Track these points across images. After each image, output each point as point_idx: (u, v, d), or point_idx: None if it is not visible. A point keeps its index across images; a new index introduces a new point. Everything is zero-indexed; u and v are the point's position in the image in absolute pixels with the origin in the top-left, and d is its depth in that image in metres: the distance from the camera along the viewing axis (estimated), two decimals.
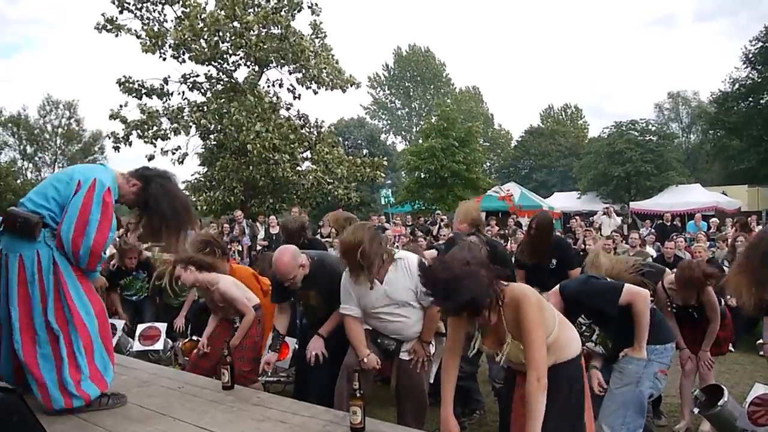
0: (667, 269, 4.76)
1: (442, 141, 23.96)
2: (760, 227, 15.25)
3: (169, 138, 17.75)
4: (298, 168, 18.61)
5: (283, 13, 17.39)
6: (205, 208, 17.78)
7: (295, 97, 18.94)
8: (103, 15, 16.73)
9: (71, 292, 3.06)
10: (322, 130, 19.26)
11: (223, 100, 17.52)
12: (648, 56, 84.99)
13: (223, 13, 16.85)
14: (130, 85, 17.42)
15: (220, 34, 17.25)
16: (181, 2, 17.13)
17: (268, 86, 18.79)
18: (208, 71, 18.43)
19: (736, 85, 32.78)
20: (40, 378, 2.99)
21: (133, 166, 3.45)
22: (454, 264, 2.55)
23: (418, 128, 46.69)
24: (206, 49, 17.13)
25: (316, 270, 4.05)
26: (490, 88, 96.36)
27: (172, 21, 17.54)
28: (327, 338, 3.99)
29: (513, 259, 5.72)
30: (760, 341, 4.55)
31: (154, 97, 17.88)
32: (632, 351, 3.52)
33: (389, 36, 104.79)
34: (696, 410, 4.04)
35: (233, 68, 18.39)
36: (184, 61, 17.65)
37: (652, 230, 14.79)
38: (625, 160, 31.15)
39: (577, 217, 17.16)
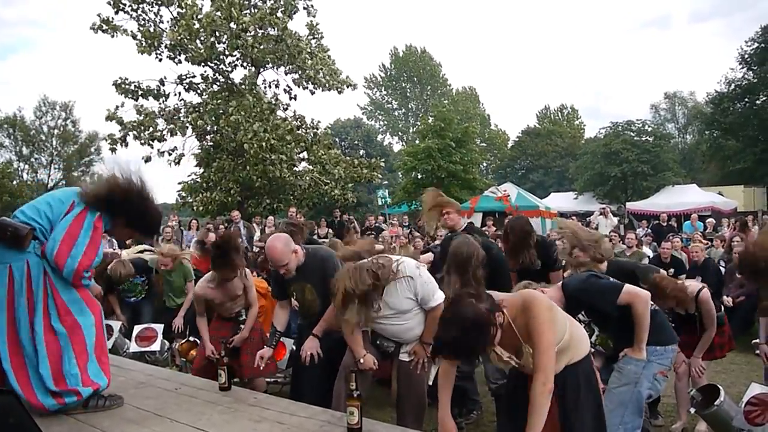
0: (661, 270, 4.76)
1: (438, 141, 23.96)
2: (757, 227, 15.33)
3: (166, 139, 17.73)
4: (295, 169, 18.60)
5: (279, 14, 17.39)
6: (201, 209, 17.76)
7: (291, 98, 18.96)
8: (99, 15, 16.70)
9: (65, 300, 3.07)
10: (318, 131, 19.25)
11: (219, 100, 17.50)
12: (644, 57, 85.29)
13: (219, 14, 16.83)
14: (127, 87, 17.39)
15: (217, 35, 17.22)
16: (177, 3, 17.10)
17: (265, 87, 18.81)
18: (205, 72, 18.43)
19: (732, 86, 32.89)
20: (27, 385, 3.00)
21: (130, 167, 3.43)
22: (455, 324, 2.47)
23: (414, 129, 46.62)
24: (202, 50, 17.11)
25: (311, 261, 4.07)
26: (487, 89, 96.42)
27: (168, 22, 17.54)
28: (322, 339, 3.99)
29: None
30: (756, 341, 4.56)
31: (151, 98, 17.85)
32: (632, 351, 3.52)
33: (386, 36, 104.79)
34: (692, 410, 4.05)
35: (230, 69, 18.38)
36: (180, 61, 17.66)
37: (649, 230, 14.81)
38: (622, 161, 31.22)
39: (573, 218, 17.15)
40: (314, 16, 18.32)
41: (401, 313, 3.57)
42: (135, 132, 17.16)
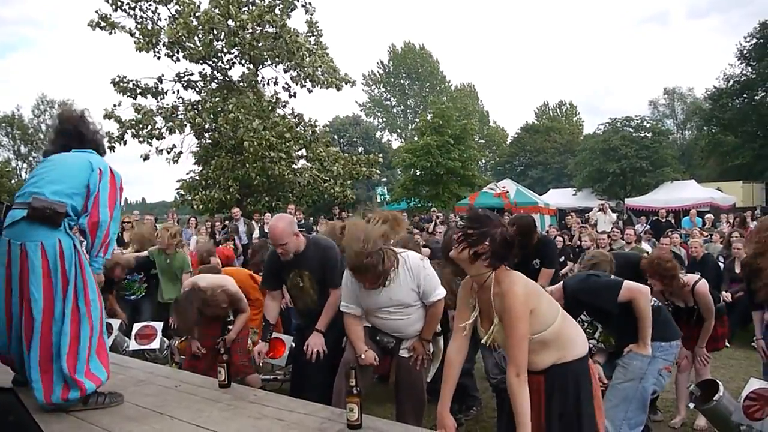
0: None
1: (437, 138, 23.97)
2: (756, 223, 15.32)
3: (164, 137, 17.70)
4: (294, 166, 18.58)
5: (277, 11, 17.35)
6: (201, 206, 17.74)
7: (290, 96, 18.93)
8: (96, 12, 16.65)
9: (88, 284, 3.09)
10: (317, 128, 19.23)
11: (217, 98, 17.48)
12: (643, 53, 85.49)
13: (217, 11, 16.79)
14: (125, 85, 17.35)
15: (215, 32, 17.19)
16: (175, 0, 17.06)
17: (263, 85, 18.77)
18: (203, 70, 18.39)
19: (731, 82, 32.93)
20: (47, 367, 2.99)
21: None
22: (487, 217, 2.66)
23: (413, 126, 46.66)
24: (200, 48, 17.08)
25: (312, 248, 4.08)
26: (486, 86, 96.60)
27: (166, 19, 17.50)
28: (324, 334, 3.99)
29: None
30: (756, 337, 4.57)
31: (149, 96, 17.81)
32: (637, 347, 3.52)
33: (384, 33, 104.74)
34: (692, 405, 4.06)
35: (228, 66, 18.35)
36: (178, 59, 17.60)
37: (648, 226, 14.82)
38: (620, 157, 31.26)
39: (572, 214, 17.21)
40: (312, 13, 18.30)
41: (404, 307, 3.58)
42: (133, 130, 17.13)
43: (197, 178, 18.98)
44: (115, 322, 5.99)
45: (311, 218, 16.20)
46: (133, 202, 63.28)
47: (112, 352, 3.91)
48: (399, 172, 33.51)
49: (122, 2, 16.84)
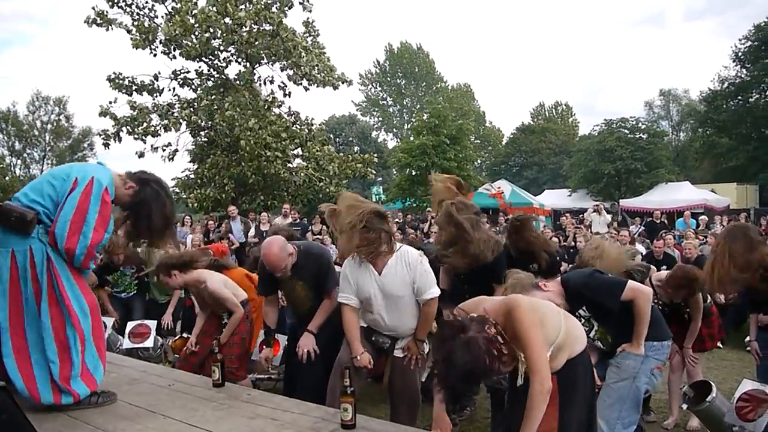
0: (653, 267, 4.80)
1: (433, 138, 23.96)
2: (750, 224, 15.38)
3: (159, 134, 17.63)
4: (289, 165, 18.55)
5: (274, 9, 17.32)
6: (195, 205, 17.71)
7: (286, 94, 18.90)
8: (93, 9, 16.59)
9: (66, 288, 3.03)
10: (313, 128, 19.21)
11: (213, 96, 17.44)
12: (638, 54, 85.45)
13: (214, 9, 16.75)
14: (120, 82, 17.29)
15: (212, 30, 17.14)
16: None
17: (260, 83, 18.73)
18: (199, 67, 18.33)
19: (726, 84, 33.06)
20: (29, 375, 2.97)
21: (124, 162, 3.48)
22: (446, 334, 2.39)
23: (409, 125, 46.63)
24: (197, 45, 17.01)
25: (302, 258, 4.08)
26: (482, 86, 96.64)
27: (162, 17, 17.44)
28: (317, 335, 3.99)
29: None
30: (748, 338, 4.59)
31: (144, 93, 17.75)
32: (630, 347, 3.54)
33: (381, 33, 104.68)
34: (685, 406, 4.08)
35: (224, 65, 18.29)
36: (174, 57, 17.54)
37: (642, 228, 14.85)
38: (615, 158, 31.32)
39: (567, 215, 17.23)
40: (310, 11, 18.26)
41: (394, 298, 3.58)
42: (128, 127, 17.07)
43: (192, 176, 18.93)
44: (109, 321, 5.97)
45: (305, 219, 16.17)
46: None
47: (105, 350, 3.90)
48: (394, 172, 33.48)
49: None
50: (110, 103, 17.13)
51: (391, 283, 3.55)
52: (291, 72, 18.31)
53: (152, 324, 5.96)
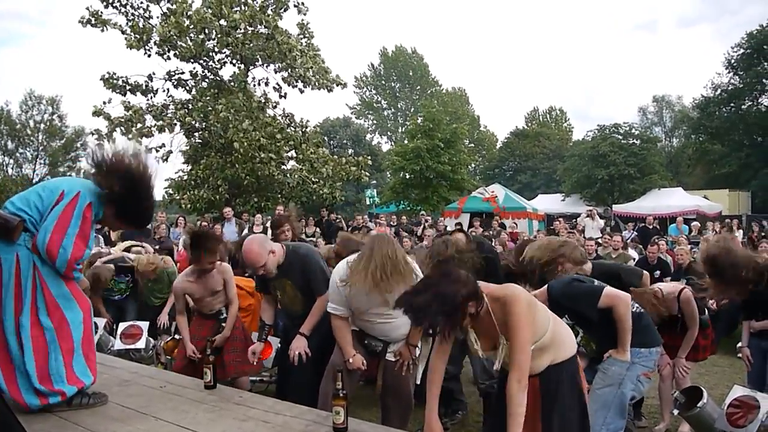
0: (645, 272, 4.80)
1: (427, 142, 23.99)
2: (741, 232, 15.48)
3: (153, 135, 17.61)
4: (284, 167, 18.54)
5: (269, 11, 17.32)
6: (189, 206, 17.66)
7: (280, 96, 18.89)
8: (88, 9, 16.55)
9: (54, 295, 3.01)
10: (307, 129, 19.21)
11: (208, 97, 17.41)
12: (632, 60, 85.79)
13: (209, 10, 16.75)
14: (114, 82, 17.26)
15: (206, 31, 17.13)
16: None
17: (254, 85, 18.73)
18: (194, 68, 18.32)
19: (719, 91, 33.28)
20: (13, 382, 2.96)
21: (138, 151, 3.35)
22: (422, 287, 2.57)
23: (403, 129, 46.66)
24: (192, 47, 17.02)
25: (290, 257, 4.06)
26: (477, 90, 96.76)
27: (157, 17, 17.41)
28: (309, 337, 3.98)
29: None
30: (740, 344, 4.61)
31: (138, 93, 17.73)
32: (616, 353, 3.54)
33: (376, 36, 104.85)
34: (675, 411, 4.09)
35: (219, 66, 18.28)
36: (169, 58, 17.52)
37: (635, 233, 14.90)
38: (609, 163, 31.45)
39: (560, 219, 17.25)
40: (305, 14, 18.27)
41: (390, 309, 3.56)
42: (122, 128, 17.02)
43: (186, 177, 18.88)
44: (101, 321, 5.93)
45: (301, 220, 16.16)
46: None
47: (96, 351, 3.88)
48: (389, 175, 33.51)
49: None
50: (104, 103, 17.11)
51: (389, 295, 3.52)
52: (286, 74, 18.32)
53: (144, 325, 5.92)
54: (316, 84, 18.30)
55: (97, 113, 16.90)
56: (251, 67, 18.45)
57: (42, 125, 43.54)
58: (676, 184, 31.89)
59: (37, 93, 43.42)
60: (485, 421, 4.39)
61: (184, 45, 16.96)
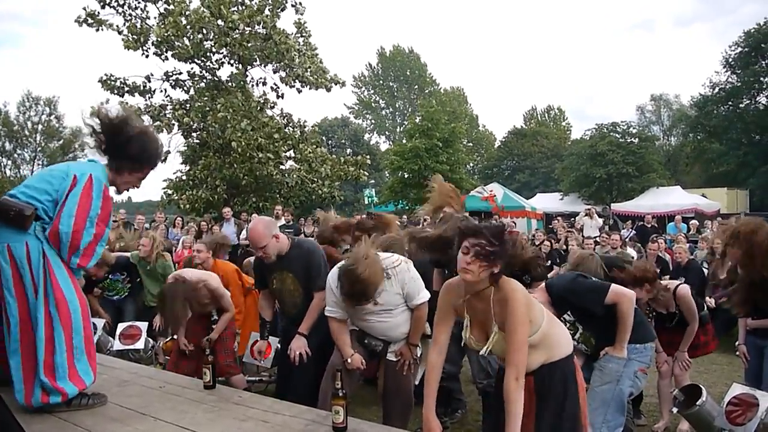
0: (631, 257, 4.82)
1: (425, 141, 23.98)
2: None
3: None
4: (282, 167, 18.51)
5: (267, 11, 17.30)
6: (187, 206, 17.61)
7: (278, 96, 18.87)
8: (84, 9, 16.50)
9: (62, 287, 3.01)
10: (305, 129, 19.19)
11: (206, 97, 17.38)
12: (630, 59, 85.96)
13: (207, 11, 16.72)
14: (112, 83, 17.20)
15: (204, 32, 17.09)
16: None
17: (252, 85, 18.69)
18: (191, 69, 18.24)
19: (716, 89, 33.30)
20: (29, 373, 2.96)
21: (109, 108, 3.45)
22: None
23: (402, 128, 46.68)
24: (189, 47, 16.96)
25: (295, 250, 4.08)
26: (475, 90, 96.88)
27: (155, 18, 17.37)
28: (309, 336, 3.98)
29: None
30: (738, 342, 4.62)
31: (136, 94, 17.67)
32: (613, 350, 3.56)
33: (374, 35, 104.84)
34: (675, 409, 4.09)
35: (217, 66, 18.23)
36: (167, 58, 17.46)
37: (633, 232, 14.92)
38: (607, 162, 31.47)
39: (559, 218, 17.28)
40: (302, 14, 18.24)
41: (389, 309, 3.57)
42: None
43: (184, 177, 18.83)
44: (100, 322, 5.93)
45: (300, 219, 16.14)
46: (119, 201, 62.38)
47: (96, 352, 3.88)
48: (387, 175, 33.50)
49: None
50: (102, 104, 17.01)
51: (386, 296, 3.53)
52: (284, 74, 18.29)
53: (143, 326, 5.92)
54: (314, 84, 18.26)
55: (94, 114, 16.83)
56: (249, 67, 18.41)
57: (39, 126, 43.54)
58: (674, 183, 31.91)
59: (34, 94, 43.46)
60: (484, 420, 4.39)
61: (181, 45, 16.90)
